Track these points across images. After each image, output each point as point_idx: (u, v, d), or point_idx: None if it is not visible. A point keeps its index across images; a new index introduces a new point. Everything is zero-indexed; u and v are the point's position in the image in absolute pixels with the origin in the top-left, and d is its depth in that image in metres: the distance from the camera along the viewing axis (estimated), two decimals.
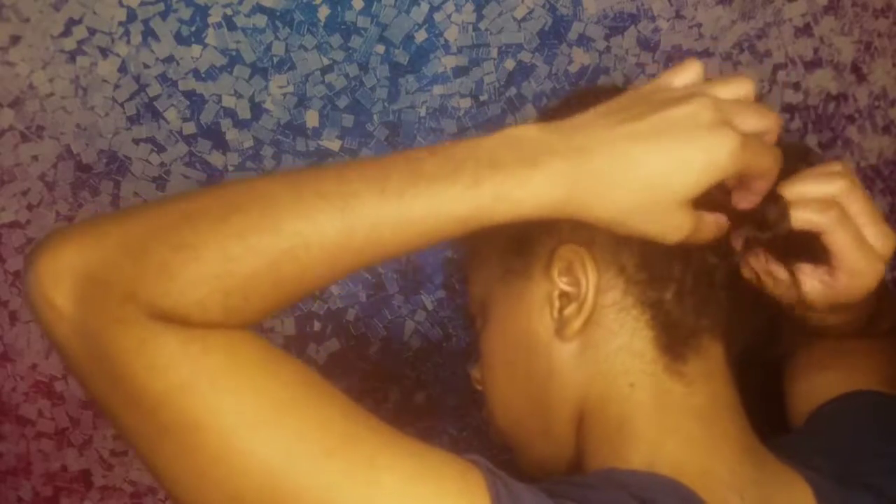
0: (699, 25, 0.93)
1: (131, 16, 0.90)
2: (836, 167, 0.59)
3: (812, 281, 0.60)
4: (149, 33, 0.90)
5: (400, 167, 0.51)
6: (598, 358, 0.60)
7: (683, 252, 0.58)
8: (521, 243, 0.62)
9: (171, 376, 0.48)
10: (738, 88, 0.55)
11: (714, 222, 0.56)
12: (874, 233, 0.59)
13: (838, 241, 0.58)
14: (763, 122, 0.55)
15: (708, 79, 0.57)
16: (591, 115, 0.54)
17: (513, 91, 0.93)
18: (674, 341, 0.60)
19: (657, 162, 0.52)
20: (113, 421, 0.51)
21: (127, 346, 0.48)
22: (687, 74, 0.56)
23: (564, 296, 0.61)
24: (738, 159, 0.52)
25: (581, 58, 0.93)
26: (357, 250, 0.51)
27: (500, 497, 0.50)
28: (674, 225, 0.54)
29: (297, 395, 0.50)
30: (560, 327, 0.61)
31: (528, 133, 0.53)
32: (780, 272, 0.61)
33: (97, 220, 0.53)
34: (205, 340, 0.49)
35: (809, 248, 0.59)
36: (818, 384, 0.75)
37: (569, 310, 0.60)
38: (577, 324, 0.60)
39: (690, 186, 0.52)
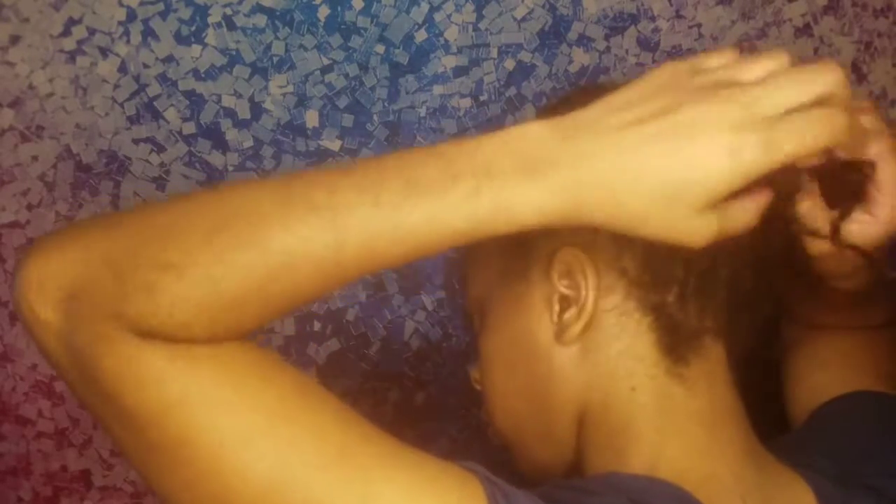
0: (699, 25, 0.93)
1: (131, 16, 0.89)
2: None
3: (855, 224, 0.58)
4: (149, 33, 0.90)
5: (395, 175, 0.48)
6: (599, 361, 0.60)
7: (686, 252, 0.57)
8: (521, 244, 0.61)
9: (160, 394, 0.47)
10: (768, 63, 0.48)
11: (746, 209, 0.50)
12: None
13: (888, 172, 0.55)
14: (807, 92, 0.47)
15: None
16: (601, 110, 0.49)
17: (513, 91, 0.93)
18: (676, 343, 0.60)
19: (672, 170, 0.46)
20: (104, 430, 0.51)
21: (113, 365, 0.47)
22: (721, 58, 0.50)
23: (564, 299, 0.60)
24: (771, 157, 0.46)
25: (581, 58, 0.92)
26: (349, 264, 0.48)
27: None
28: (696, 229, 0.48)
29: (291, 406, 0.49)
30: (560, 331, 0.60)
31: (531, 135, 0.48)
32: (825, 220, 0.58)
33: (83, 227, 0.51)
34: (191, 353, 0.47)
35: (854, 186, 0.57)
36: (819, 383, 0.74)
37: (568, 314, 0.60)
38: (576, 328, 0.59)
39: (712, 194, 0.47)
